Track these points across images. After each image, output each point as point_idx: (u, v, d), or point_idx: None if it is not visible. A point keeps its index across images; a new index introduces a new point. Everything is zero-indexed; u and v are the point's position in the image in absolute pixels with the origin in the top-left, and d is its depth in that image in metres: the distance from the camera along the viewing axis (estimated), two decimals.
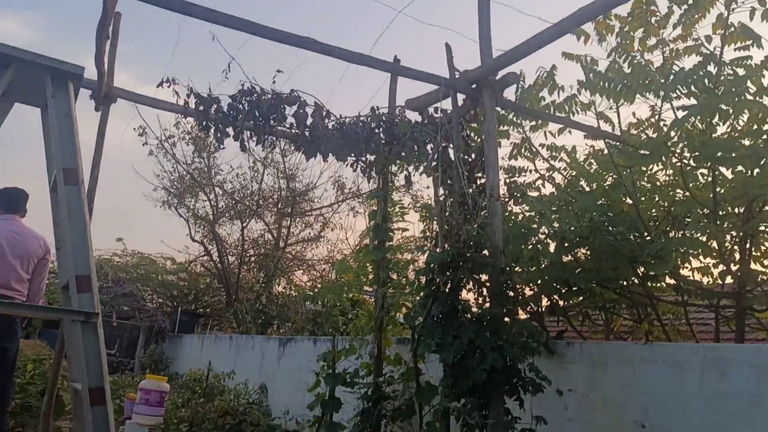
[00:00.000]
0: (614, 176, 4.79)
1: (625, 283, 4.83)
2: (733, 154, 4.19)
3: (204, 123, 4.45)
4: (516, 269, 4.82)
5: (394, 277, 5.64)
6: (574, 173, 5.30)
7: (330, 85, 26.67)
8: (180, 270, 18.88)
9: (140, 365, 13.35)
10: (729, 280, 4.66)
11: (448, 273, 3.87)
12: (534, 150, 5.31)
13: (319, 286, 15.99)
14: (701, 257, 4.61)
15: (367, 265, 6.20)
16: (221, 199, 17.52)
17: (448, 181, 4.70)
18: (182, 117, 15.29)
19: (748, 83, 4.15)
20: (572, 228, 4.58)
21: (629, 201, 4.66)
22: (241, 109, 4.48)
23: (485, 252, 4.08)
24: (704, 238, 4.38)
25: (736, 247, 4.57)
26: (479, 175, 4.83)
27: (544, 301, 5.00)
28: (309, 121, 4.63)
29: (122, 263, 17.84)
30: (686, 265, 4.70)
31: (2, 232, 4.41)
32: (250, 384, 8.83)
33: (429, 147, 5.18)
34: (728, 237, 4.56)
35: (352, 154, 5.20)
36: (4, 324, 4.34)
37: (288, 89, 4.71)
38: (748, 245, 4.48)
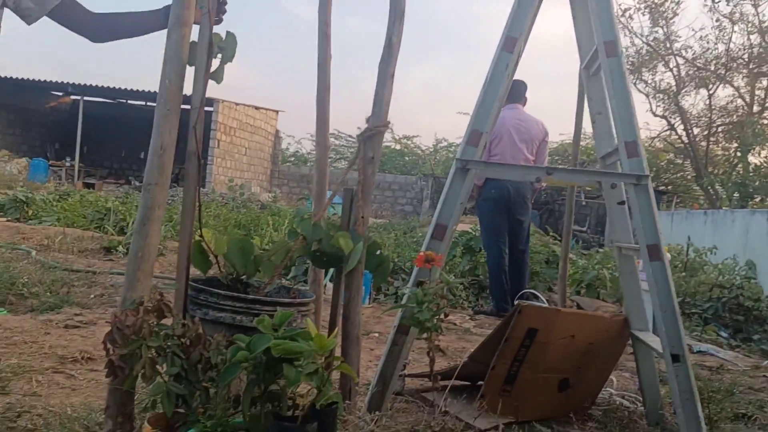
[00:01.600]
0: None
1: None
2: None
3: None
4: None
5: None
6: None
7: None
8: None
9: (610, 240, 13.86)
10: None
11: None
12: None
13: None
14: None
15: None
16: (682, 68, 16.22)
17: None
18: None
19: None
20: None
21: None
22: None
23: None
24: None
25: None
26: None
27: None
28: None
29: (582, 146, 18.50)
30: None
31: (509, 121, 5.02)
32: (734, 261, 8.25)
33: None
34: None
35: None
36: (519, 200, 5.04)
37: None
38: None
